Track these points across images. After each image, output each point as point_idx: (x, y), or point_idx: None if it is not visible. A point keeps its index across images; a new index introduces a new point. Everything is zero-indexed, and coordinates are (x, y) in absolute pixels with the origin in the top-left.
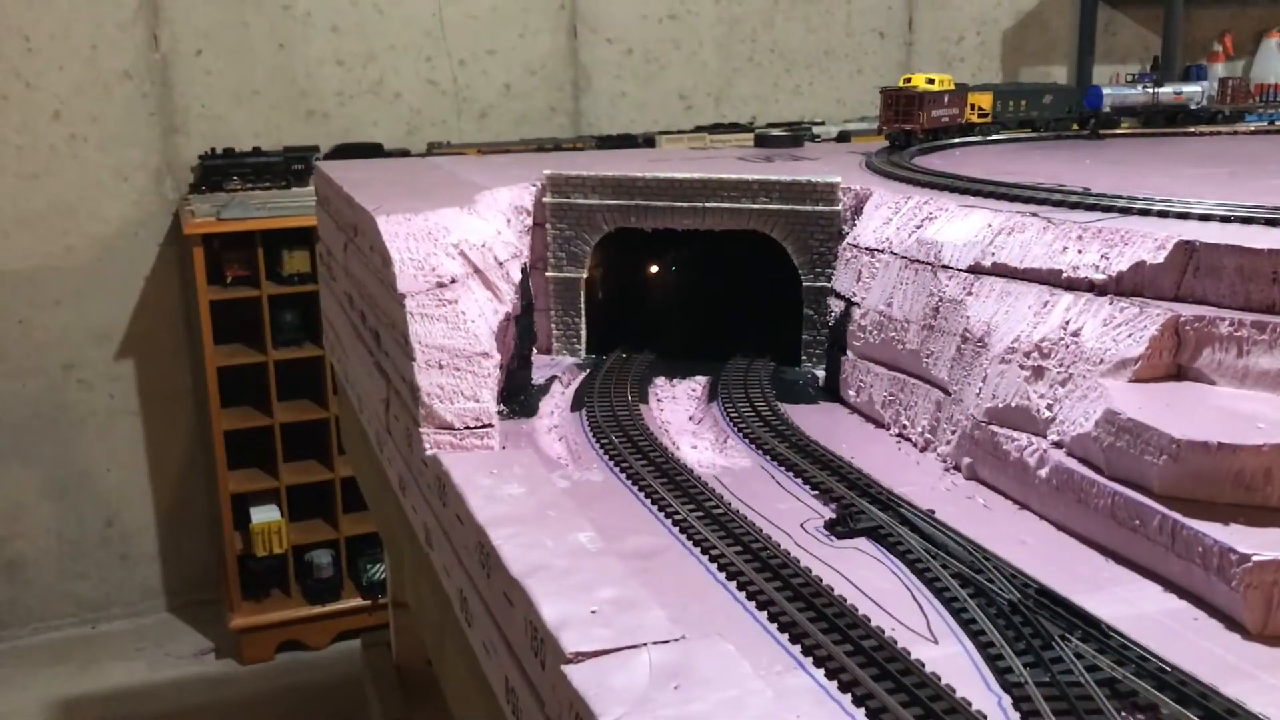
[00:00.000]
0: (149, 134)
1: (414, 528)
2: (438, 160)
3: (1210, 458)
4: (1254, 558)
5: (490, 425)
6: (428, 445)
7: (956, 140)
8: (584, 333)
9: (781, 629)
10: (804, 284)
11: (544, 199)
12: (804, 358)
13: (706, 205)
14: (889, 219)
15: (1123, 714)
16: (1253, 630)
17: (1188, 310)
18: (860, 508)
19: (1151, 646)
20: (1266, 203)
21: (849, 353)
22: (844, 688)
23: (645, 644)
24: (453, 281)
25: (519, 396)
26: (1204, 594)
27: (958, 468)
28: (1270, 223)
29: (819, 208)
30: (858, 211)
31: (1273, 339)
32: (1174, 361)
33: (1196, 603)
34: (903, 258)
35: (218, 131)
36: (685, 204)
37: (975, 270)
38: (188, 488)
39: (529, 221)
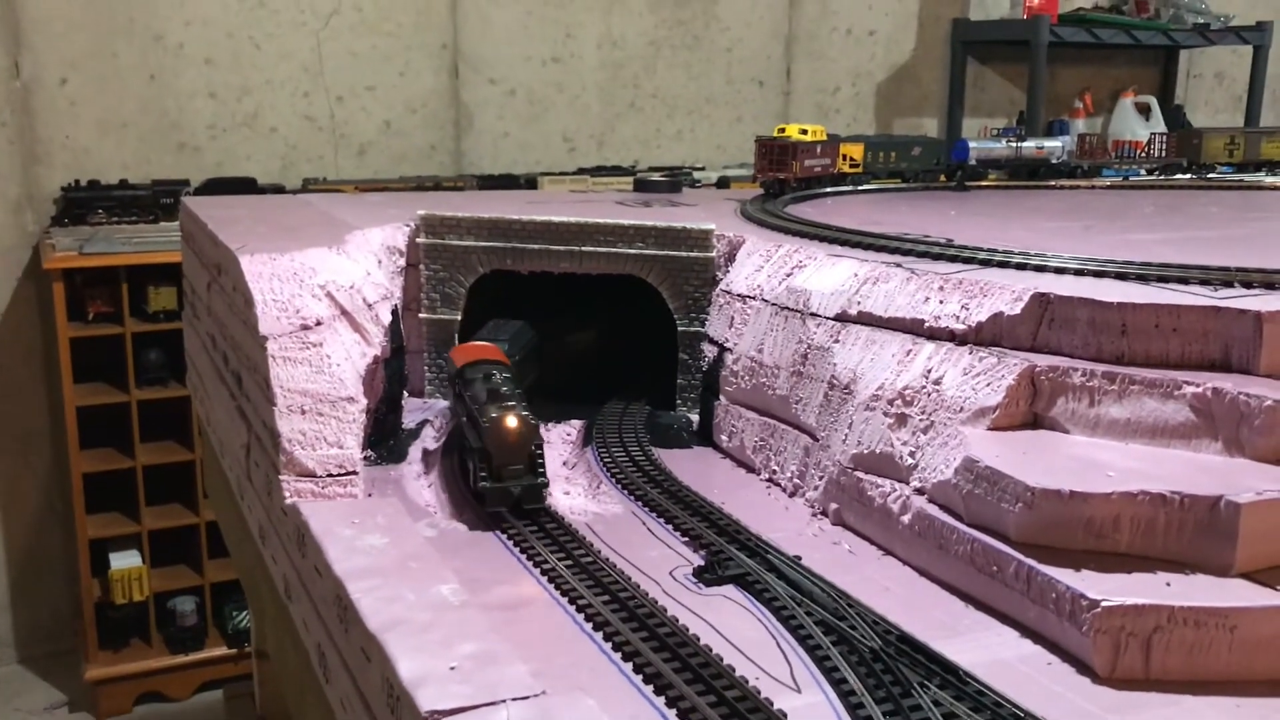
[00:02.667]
0: (8, 164)
1: (274, 578)
2: (309, 198)
3: (1063, 505)
4: (1103, 603)
5: (354, 472)
6: (288, 494)
7: (828, 190)
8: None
9: (646, 680)
10: (679, 329)
11: (418, 239)
12: (679, 402)
13: (583, 249)
14: (760, 266)
15: None
16: (1102, 674)
17: (1043, 360)
18: (729, 554)
19: (1007, 692)
20: (1118, 256)
21: (722, 398)
22: None
23: (504, 700)
24: (318, 324)
25: (388, 441)
26: (1057, 639)
27: (825, 513)
28: (1120, 276)
29: (693, 254)
30: (731, 258)
31: (1122, 389)
32: (1030, 410)
33: (1051, 647)
34: (773, 304)
35: (83, 163)
36: (562, 247)
37: (842, 318)
38: (43, 532)
39: (402, 262)
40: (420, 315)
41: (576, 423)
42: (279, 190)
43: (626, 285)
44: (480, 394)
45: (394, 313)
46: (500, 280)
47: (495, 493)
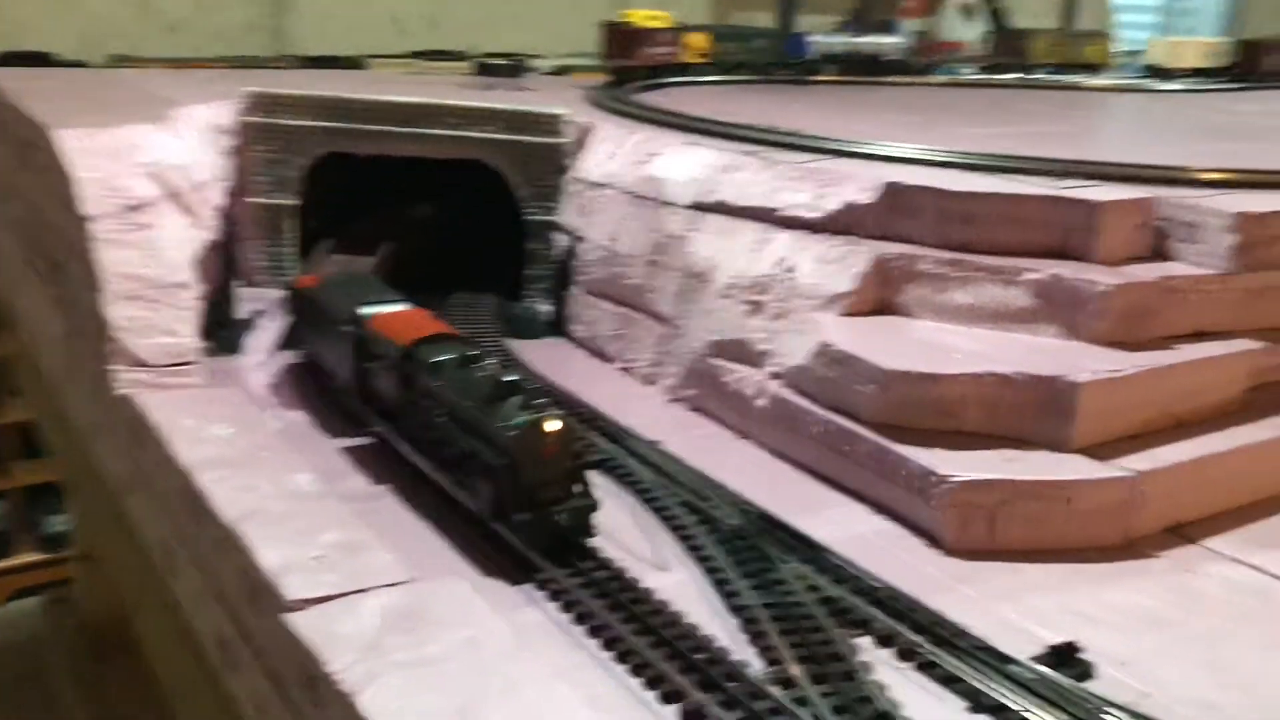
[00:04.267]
0: None
1: (104, 475)
2: (124, 73)
3: (912, 387)
4: (951, 478)
5: (191, 362)
6: (121, 385)
7: (676, 79)
8: (295, 263)
9: (515, 565)
10: (529, 218)
11: (247, 119)
12: (530, 294)
13: (428, 132)
14: (613, 154)
15: (840, 630)
16: (950, 546)
17: (893, 248)
18: (589, 440)
19: (863, 565)
20: (959, 148)
21: (575, 288)
22: (578, 620)
23: (374, 587)
24: (144, 205)
25: (222, 331)
26: (908, 514)
27: (682, 400)
28: (966, 167)
29: (544, 140)
30: (582, 145)
31: (967, 276)
32: (880, 296)
33: (902, 522)
34: (627, 193)
35: None
36: (405, 129)
37: (697, 207)
38: None
39: (230, 143)
40: (250, 199)
41: None
42: (81, 66)
43: (472, 172)
44: (471, 386)
45: (225, 196)
46: (338, 165)
47: (535, 527)
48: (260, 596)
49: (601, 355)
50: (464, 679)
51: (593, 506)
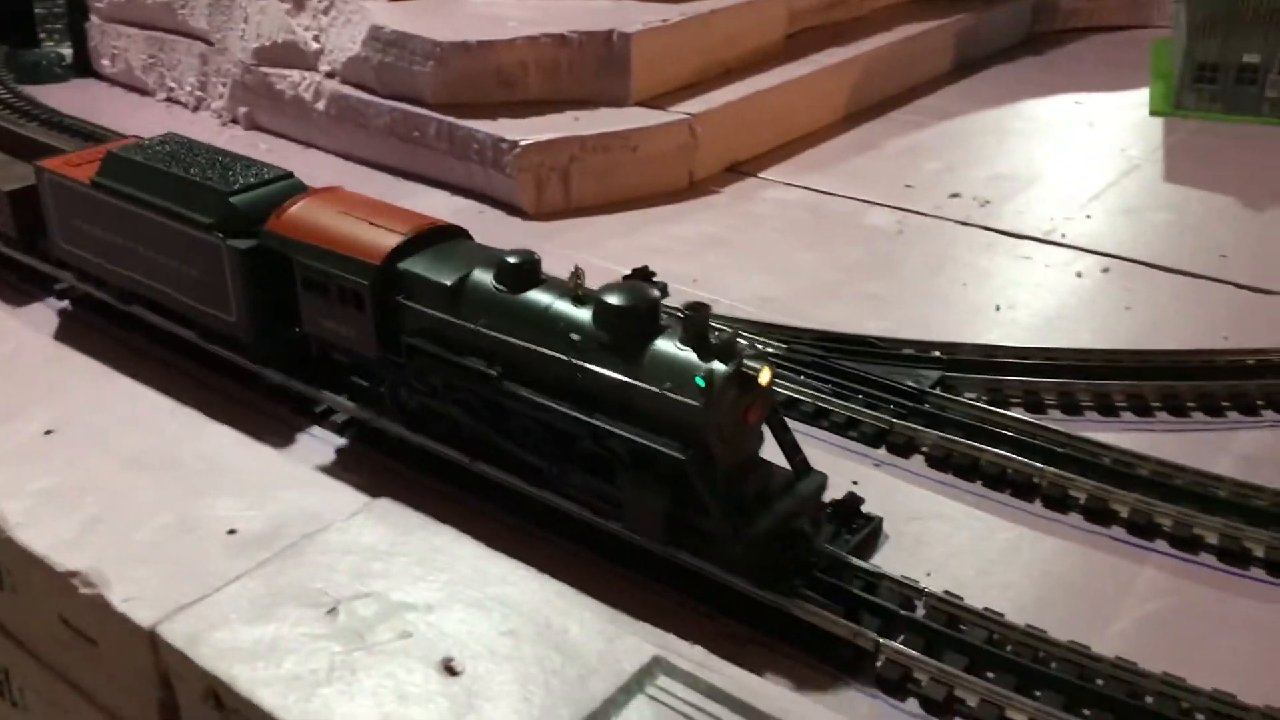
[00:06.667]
0: None
1: None
2: None
3: (472, 58)
4: (521, 143)
5: None
6: None
7: None
8: None
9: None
10: None
11: None
12: (42, 36)
13: None
14: None
15: None
16: (530, 211)
17: None
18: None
19: None
20: None
21: (94, 18)
22: None
23: None
24: None
25: None
26: (485, 189)
27: (236, 120)
28: None
29: None
30: None
31: None
32: None
33: (481, 198)
34: None
35: None
36: None
37: None
38: None
39: None
40: None
41: None
42: None
43: None
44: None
45: None
46: None
47: (754, 546)
48: None
49: (140, 89)
50: None
51: (822, 485)
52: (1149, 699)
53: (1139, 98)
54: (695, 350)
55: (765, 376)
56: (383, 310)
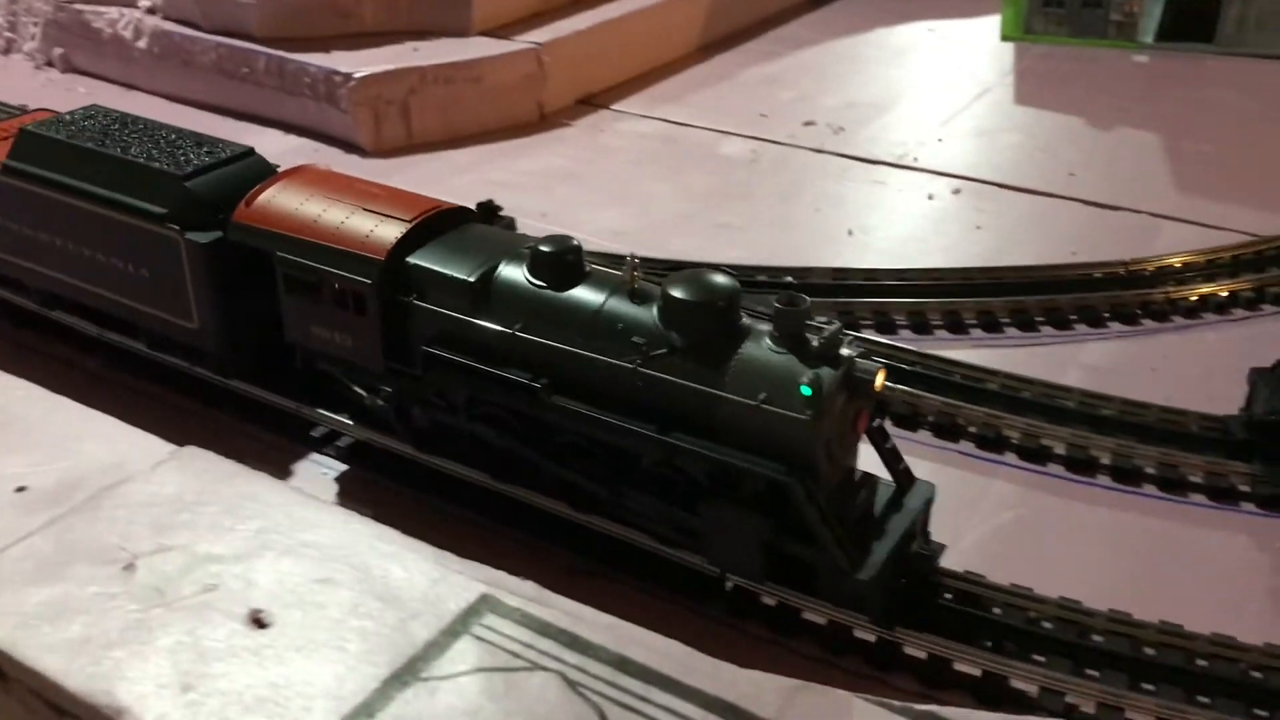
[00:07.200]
0: None
1: None
2: None
3: None
4: (355, 75)
5: None
6: None
7: None
8: None
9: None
10: None
11: None
12: None
13: None
14: None
15: None
16: (369, 148)
17: None
18: None
19: None
20: None
21: None
22: None
23: None
24: None
25: None
26: (320, 125)
27: (51, 62)
28: None
29: None
30: None
31: None
32: None
33: (316, 136)
34: None
35: None
36: None
37: None
38: None
39: None
40: None
41: None
42: None
43: None
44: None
45: None
46: None
47: (876, 582)
48: None
49: None
50: None
51: (929, 498)
52: (996, 610)
53: (990, 23)
54: (793, 352)
55: (880, 380)
56: (389, 314)
